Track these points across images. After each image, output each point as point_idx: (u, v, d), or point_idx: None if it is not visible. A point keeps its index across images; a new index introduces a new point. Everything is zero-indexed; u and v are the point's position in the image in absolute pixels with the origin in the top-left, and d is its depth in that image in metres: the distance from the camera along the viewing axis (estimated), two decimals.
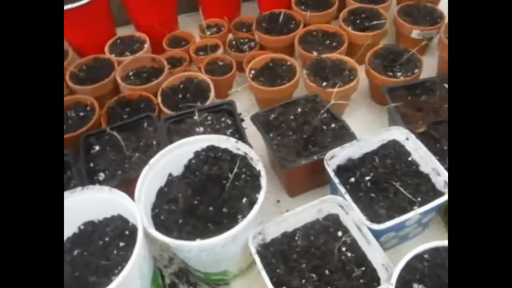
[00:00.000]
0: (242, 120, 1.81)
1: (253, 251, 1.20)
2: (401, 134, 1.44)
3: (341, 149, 1.39)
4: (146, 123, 1.62)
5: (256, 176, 1.27)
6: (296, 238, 1.29)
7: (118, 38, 2.10)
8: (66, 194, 1.25)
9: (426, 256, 1.13)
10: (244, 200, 1.24)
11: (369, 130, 1.72)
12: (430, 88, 1.65)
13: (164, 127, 1.56)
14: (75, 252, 1.26)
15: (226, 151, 1.36)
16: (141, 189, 1.24)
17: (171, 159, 1.35)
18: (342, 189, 1.29)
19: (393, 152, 1.43)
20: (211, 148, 1.37)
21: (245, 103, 1.95)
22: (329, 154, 1.37)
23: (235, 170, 1.29)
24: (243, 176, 1.30)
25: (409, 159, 1.41)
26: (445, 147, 1.45)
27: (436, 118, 1.54)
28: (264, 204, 1.56)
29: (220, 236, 1.11)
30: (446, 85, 1.65)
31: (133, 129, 1.61)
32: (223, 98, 1.97)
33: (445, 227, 1.44)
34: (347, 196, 1.27)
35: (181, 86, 1.80)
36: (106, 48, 2.03)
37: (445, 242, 1.13)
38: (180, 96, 1.78)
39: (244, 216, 1.19)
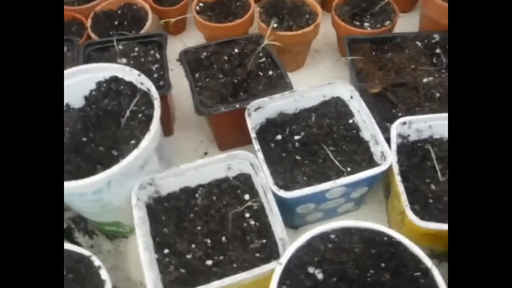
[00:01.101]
0: None
1: (134, 202, 1.00)
2: (346, 91, 1.20)
3: (269, 100, 1.17)
4: (66, 47, 1.41)
5: (150, 116, 1.05)
6: (197, 195, 1.09)
7: None
8: None
9: (332, 236, 0.91)
10: (132, 142, 1.03)
11: None
12: (400, 44, 1.40)
13: (83, 55, 1.34)
14: None
15: (129, 84, 1.14)
16: None
17: (69, 86, 1.15)
18: (256, 145, 1.07)
19: (333, 111, 1.20)
20: (114, 80, 1.16)
21: (198, 40, 1.71)
22: (254, 103, 1.15)
23: (132, 106, 1.09)
24: (140, 115, 1.08)
25: (350, 121, 1.18)
26: (400, 114, 1.22)
27: (397, 79, 1.30)
28: (190, 154, 1.38)
29: (81, 181, 0.92)
30: (419, 43, 1.39)
31: None
32: (175, 34, 1.75)
33: (387, 206, 1.22)
34: (260, 154, 1.05)
35: (119, 12, 1.57)
36: None
37: (366, 224, 0.92)
38: (116, 22, 1.55)
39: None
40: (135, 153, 0.96)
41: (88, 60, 1.34)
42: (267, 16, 1.46)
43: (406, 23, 1.63)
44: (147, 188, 1.05)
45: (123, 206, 1.06)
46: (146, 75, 1.26)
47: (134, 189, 1.02)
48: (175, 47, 1.68)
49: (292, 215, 1.12)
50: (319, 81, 1.54)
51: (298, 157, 1.14)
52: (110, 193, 1.00)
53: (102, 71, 1.16)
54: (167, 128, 1.40)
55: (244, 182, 1.10)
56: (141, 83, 1.12)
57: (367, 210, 1.24)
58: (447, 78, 1.29)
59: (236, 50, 1.32)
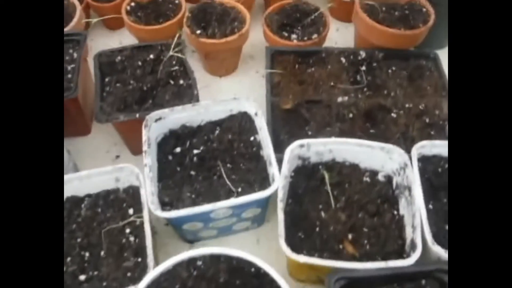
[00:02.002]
0: None
1: None
2: (252, 107, 1.17)
3: (170, 112, 1.14)
4: None
5: None
6: (83, 206, 1.07)
7: None
8: None
9: (199, 263, 0.89)
10: None
11: (250, 95, 1.48)
12: (324, 59, 1.36)
13: None
14: None
15: None
16: None
17: None
18: (145, 160, 1.04)
19: (237, 126, 1.17)
20: None
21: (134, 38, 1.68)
22: (153, 114, 1.12)
23: None
24: None
25: (252, 138, 1.15)
26: (310, 132, 1.19)
27: (313, 96, 1.27)
28: (101, 156, 1.35)
29: None
30: (344, 59, 1.36)
31: None
32: (113, 29, 1.72)
33: None
34: (146, 170, 1.03)
35: None
36: None
37: (237, 252, 0.89)
38: None
39: None
40: None
41: None
42: (193, 21, 1.42)
43: (348, 34, 1.60)
44: None
45: None
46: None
47: None
48: (111, 43, 1.66)
49: (181, 231, 1.09)
50: (246, 88, 1.52)
51: (192, 172, 1.11)
52: None
53: None
54: (82, 128, 1.38)
55: (132, 195, 1.07)
56: None
57: (269, 228, 1.20)
58: (365, 98, 1.26)
59: (151, 56, 1.29)
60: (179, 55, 1.22)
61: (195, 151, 1.14)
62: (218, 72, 1.51)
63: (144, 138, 1.08)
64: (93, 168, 1.07)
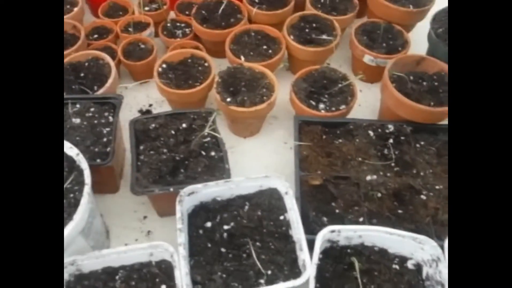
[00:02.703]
0: (149, 112, 1.64)
1: None
2: (282, 186, 1.20)
3: (203, 187, 1.17)
4: None
5: (78, 202, 1.06)
6: (117, 277, 1.10)
7: None
8: None
9: None
10: None
11: (274, 160, 1.51)
12: (352, 132, 1.39)
13: None
14: None
15: (69, 159, 1.15)
16: None
17: None
18: (179, 239, 1.08)
19: (267, 203, 1.20)
20: None
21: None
22: (187, 189, 1.16)
23: (66, 184, 1.10)
24: (71, 195, 1.09)
25: (281, 217, 1.18)
26: (337, 210, 1.22)
27: (341, 172, 1.29)
28: (129, 216, 1.39)
29: None
30: (372, 133, 1.39)
31: None
32: (140, 81, 1.76)
33: None
34: (181, 250, 1.06)
35: (86, 64, 1.59)
36: None
37: None
38: (81, 74, 1.57)
39: None
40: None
41: None
42: (223, 87, 1.46)
43: (371, 95, 1.63)
44: (67, 267, 1.06)
45: None
46: (96, 138, 1.30)
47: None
48: (138, 95, 1.71)
49: None
50: (270, 151, 1.55)
51: (223, 249, 1.13)
52: None
53: None
54: (111, 186, 1.42)
55: (165, 271, 1.10)
56: (79, 161, 1.13)
57: None
58: (394, 177, 1.28)
59: (184, 125, 1.33)
60: (214, 133, 1.26)
61: (225, 227, 1.17)
62: (243, 134, 1.55)
63: (178, 214, 1.11)
64: (120, 226, 1.19)
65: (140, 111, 1.66)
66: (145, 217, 1.39)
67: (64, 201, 1.10)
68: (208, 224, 1.18)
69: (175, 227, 1.33)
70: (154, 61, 1.69)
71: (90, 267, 1.10)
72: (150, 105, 1.69)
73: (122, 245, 1.32)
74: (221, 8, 1.73)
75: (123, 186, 1.46)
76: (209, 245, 1.15)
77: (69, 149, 1.16)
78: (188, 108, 1.48)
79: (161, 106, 1.68)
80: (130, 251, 1.09)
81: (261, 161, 1.50)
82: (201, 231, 1.17)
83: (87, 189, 1.07)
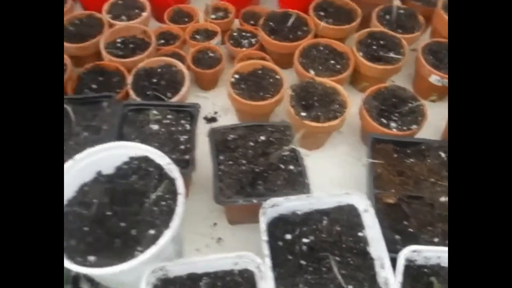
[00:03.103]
0: (214, 120, 1.67)
1: (143, 286, 1.06)
2: (361, 203, 1.23)
3: (285, 200, 1.21)
4: (106, 103, 1.48)
5: (173, 210, 1.11)
6: (201, 284, 1.14)
7: None
8: None
9: None
10: (151, 231, 1.09)
11: (341, 174, 1.54)
12: (423, 152, 1.42)
13: (120, 114, 1.42)
14: None
15: (158, 167, 1.20)
16: None
17: (103, 157, 1.23)
18: (265, 250, 1.12)
19: (345, 219, 1.23)
20: (146, 160, 1.22)
21: (226, 100, 1.76)
22: (269, 202, 1.19)
23: (158, 192, 1.14)
24: (163, 203, 1.14)
25: (360, 234, 1.21)
26: (410, 229, 1.25)
27: (414, 191, 1.32)
28: (200, 222, 1.43)
29: (103, 269, 0.99)
30: (443, 154, 1.41)
31: (92, 105, 1.48)
32: (206, 89, 1.81)
33: None
34: (267, 261, 1.10)
35: (158, 70, 1.64)
36: (105, 6, 1.88)
37: None
38: (154, 80, 1.62)
39: (142, 251, 1.05)
40: (153, 249, 1.01)
41: (124, 119, 1.41)
42: (296, 101, 1.49)
43: (435, 114, 1.66)
44: (157, 272, 1.11)
45: (132, 282, 1.12)
46: (174, 145, 1.34)
47: (145, 273, 1.08)
48: (204, 102, 1.75)
49: None
50: (335, 165, 1.58)
51: (303, 262, 1.17)
52: (122, 275, 1.06)
53: (136, 148, 1.22)
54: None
55: (247, 280, 1.14)
56: (170, 170, 1.18)
57: None
58: None
59: (262, 138, 1.37)
60: (295, 146, 1.29)
61: (305, 240, 1.20)
62: (309, 147, 1.59)
63: (262, 226, 1.15)
64: (191, 232, 1.26)
65: (206, 118, 1.70)
66: (215, 224, 1.43)
67: (156, 208, 1.15)
68: (288, 236, 1.22)
69: (245, 235, 1.39)
70: (222, 70, 1.74)
71: (176, 272, 1.14)
72: (215, 113, 1.73)
73: (194, 251, 1.37)
74: (291, 20, 1.77)
75: (192, 194, 1.50)
76: (290, 257, 1.18)
77: (160, 157, 1.20)
78: (256, 118, 1.53)
79: (226, 114, 1.73)
80: (218, 260, 1.14)
81: (327, 175, 1.53)
82: (280, 243, 1.21)
83: (181, 198, 1.12)
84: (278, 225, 1.23)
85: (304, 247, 1.20)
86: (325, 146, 1.64)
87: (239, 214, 1.36)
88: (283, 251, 1.19)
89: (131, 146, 1.24)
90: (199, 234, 1.41)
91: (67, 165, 1.17)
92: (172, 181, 1.17)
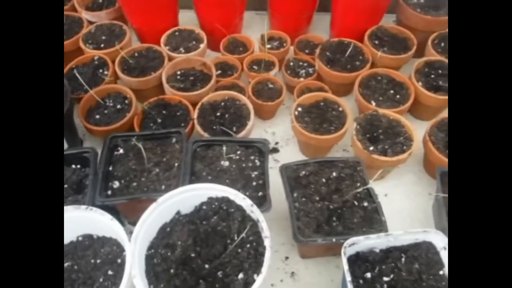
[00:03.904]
0: (276, 150, 1.70)
1: None
2: (439, 240, 1.25)
3: (364, 239, 1.23)
4: (175, 138, 1.53)
5: (260, 253, 1.14)
6: None
7: (177, 30, 1.99)
8: (70, 208, 1.23)
9: None
10: (241, 276, 1.13)
11: (408, 205, 1.56)
12: None
13: (190, 151, 1.46)
14: (66, 264, 1.24)
15: (240, 209, 1.24)
16: (141, 228, 1.18)
17: (182, 198, 1.26)
18: (348, 278, 1.14)
19: (424, 257, 1.25)
20: (226, 201, 1.26)
21: (286, 130, 1.80)
22: (349, 241, 1.22)
23: (243, 234, 1.18)
24: (248, 246, 1.18)
25: (441, 272, 1.23)
26: None
27: None
28: (272, 256, 1.46)
29: None
30: None
31: (161, 141, 1.53)
32: (264, 119, 1.84)
33: None
34: None
35: (222, 104, 1.68)
36: (163, 39, 1.93)
37: None
38: (218, 114, 1.66)
39: None
40: None
41: (193, 155, 1.45)
42: (363, 134, 1.52)
43: None
44: None
45: None
46: (245, 181, 1.37)
47: None
48: (263, 133, 1.79)
49: None
50: (402, 197, 1.60)
51: None
52: None
53: (216, 190, 1.26)
54: None
55: None
56: (252, 212, 1.21)
57: None
58: None
59: (334, 174, 1.40)
60: (370, 186, 1.32)
61: (385, 279, 1.23)
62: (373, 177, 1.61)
63: (346, 267, 1.18)
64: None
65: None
66: (287, 258, 1.46)
67: (241, 250, 1.18)
68: (368, 275, 1.24)
69: (319, 270, 1.42)
70: (282, 101, 1.77)
71: None
72: (276, 143, 1.77)
73: (269, 285, 1.40)
74: (349, 50, 1.79)
75: None
76: None
77: (241, 199, 1.23)
78: (319, 150, 1.57)
79: (287, 145, 1.76)
80: None
81: (395, 206, 1.55)
82: (361, 281, 1.23)
83: (268, 242, 1.15)
84: (357, 263, 1.26)
85: (385, 286, 1.22)
86: (389, 177, 1.66)
87: (314, 250, 1.39)
88: None
89: (212, 188, 1.27)
90: (273, 269, 1.43)
91: (151, 208, 1.21)
92: (255, 223, 1.20)
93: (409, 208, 1.56)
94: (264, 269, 1.10)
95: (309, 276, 1.42)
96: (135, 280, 1.08)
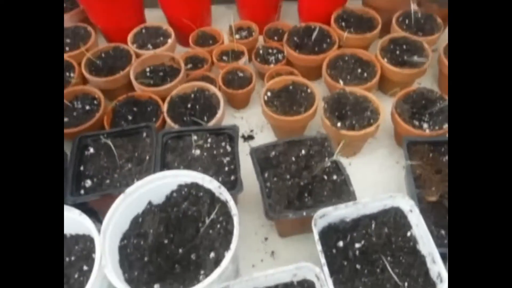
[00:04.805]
0: (251, 137, 1.72)
1: None
2: (406, 204, 1.29)
3: (334, 209, 1.27)
4: (145, 133, 1.55)
5: (229, 231, 1.18)
6: None
7: (144, 27, 2.02)
8: None
9: None
10: (212, 254, 1.16)
11: (381, 177, 1.60)
12: None
13: (161, 143, 1.49)
14: None
15: (208, 192, 1.27)
16: (110, 220, 1.20)
17: (152, 188, 1.29)
18: (322, 259, 1.17)
19: (392, 221, 1.29)
20: (195, 186, 1.29)
21: (260, 117, 1.84)
22: (319, 212, 1.25)
23: (212, 216, 1.21)
24: (218, 226, 1.21)
25: (408, 234, 1.26)
26: None
27: None
28: (251, 238, 1.49)
29: None
30: None
31: (131, 137, 1.56)
32: (238, 108, 1.88)
33: None
34: (325, 269, 1.15)
35: (192, 96, 1.71)
36: (130, 37, 1.96)
37: None
38: (188, 105, 1.69)
39: (206, 274, 1.12)
40: (218, 271, 1.07)
41: (164, 147, 1.49)
42: (331, 112, 1.55)
43: None
44: None
45: None
46: (217, 168, 1.40)
47: None
48: (238, 122, 1.83)
49: None
50: (374, 170, 1.64)
51: (358, 266, 1.23)
52: None
53: (185, 176, 1.29)
54: None
55: None
56: (220, 193, 1.24)
57: None
58: None
59: (303, 151, 1.43)
60: (337, 159, 1.35)
61: (357, 245, 1.26)
62: (347, 154, 1.65)
63: (316, 237, 1.21)
64: (244, 248, 1.31)
65: (243, 136, 1.77)
66: (266, 239, 1.49)
67: (212, 231, 1.21)
68: (340, 243, 1.27)
69: (297, 247, 1.45)
70: (254, 89, 1.81)
71: None
72: (251, 131, 1.80)
73: (250, 266, 1.43)
74: (314, 34, 1.83)
75: (239, 211, 1.53)
76: (345, 263, 1.24)
77: (209, 182, 1.27)
78: (292, 132, 1.60)
79: (262, 131, 1.79)
80: (277, 273, 1.20)
81: (369, 180, 1.59)
82: (334, 250, 1.27)
83: (236, 219, 1.18)
84: (329, 233, 1.29)
85: (357, 252, 1.26)
86: (362, 153, 1.69)
87: (289, 227, 1.42)
88: (338, 257, 1.25)
89: (179, 174, 1.30)
90: (253, 250, 1.46)
91: (119, 200, 1.23)
92: (224, 204, 1.24)
93: (382, 180, 1.60)
94: (233, 245, 1.13)
95: (288, 254, 1.45)
96: (106, 270, 1.10)
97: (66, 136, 1.61)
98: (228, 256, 1.11)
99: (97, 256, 1.12)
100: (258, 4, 2.06)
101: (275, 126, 1.67)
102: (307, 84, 1.68)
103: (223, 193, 1.24)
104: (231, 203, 1.21)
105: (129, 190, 1.25)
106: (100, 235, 1.16)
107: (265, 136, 1.77)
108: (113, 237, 1.20)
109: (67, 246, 1.27)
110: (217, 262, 1.12)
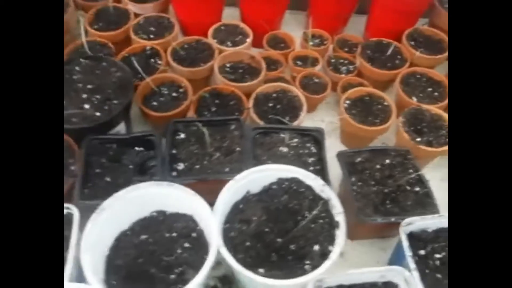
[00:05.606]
0: None
1: None
2: None
3: (421, 219, 1.36)
4: (234, 125, 1.62)
5: (333, 226, 1.26)
6: None
7: (222, 24, 2.10)
8: (152, 184, 1.33)
9: None
10: (316, 247, 1.24)
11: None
12: None
13: (250, 137, 1.56)
14: (142, 237, 1.33)
15: (310, 189, 1.35)
16: (221, 202, 1.28)
17: (253, 178, 1.37)
18: (411, 265, 1.27)
19: None
20: (296, 181, 1.37)
21: (325, 124, 1.93)
22: (407, 220, 1.35)
23: (315, 211, 1.29)
24: (321, 221, 1.29)
25: None
26: None
27: None
28: None
29: (289, 281, 1.13)
30: None
31: (220, 127, 1.62)
32: (308, 112, 1.95)
33: None
34: (415, 274, 1.25)
35: (274, 95, 1.79)
36: (210, 32, 2.03)
37: None
38: (270, 105, 1.77)
39: (312, 265, 1.20)
40: (327, 263, 1.16)
41: (253, 142, 1.56)
42: (409, 127, 1.65)
43: None
44: (316, 283, 1.26)
45: None
46: (303, 167, 1.48)
47: (309, 285, 1.23)
48: (310, 124, 1.91)
49: None
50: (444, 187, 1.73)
51: (438, 276, 1.32)
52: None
53: (286, 171, 1.37)
54: None
55: None
56: (322, 191, 1.33)
57: None
58: None
59: (387, 161, 1.52)
60: (420, 173, 1.45)
61: (437, 255, 1.36)
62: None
63: (406, 243, 1.31)
64: None
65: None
66: None
67: (314, 225, 1.30)
68: (422, 251, 1.37)
69: (364, 251, 1.54)
70: (328, 95, 1.90)
71: (328, 283, 1.29)
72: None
73: None
74: (390, 50, 1.93)
75: None
76: (427, 271, 1.33)
77: (313, 180, 1.35)
78: (362, 142, 1.69)
79: (330, 137, 1.87)
80: (367, 272, 1.29)
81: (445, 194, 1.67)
82: (416, 258, 1.36)
83: (341, 217, 1.27)
84: (411, 241, 1.38)
85: (438, 262, 1.35)
86: (432, 167, 1.78)
87: (367, 231, 1.51)
88: (419, 265, 1.33)
89: (279, 169, 1.39)
90: None
91: (229, 185, 1.32)
92: (326, 201, 1.32)
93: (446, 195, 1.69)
94: (340, 239, 1.22)
95: (356, 256, 1.53)
96: (222, 249, 1.18)
97: (155, 119, 1.70)
98: (337, 249, 1.19)
99: (213, 235, 1.20)
100: (332, 15, 2.15)
101: (350, 133, 1.76)
102: (384, 97, 1.78)
103: (326, 191, 1.32)
104: (335, 201, 1.29)
105: (238, 177, 1.33)
106: (213, 214, 1.24)
107: (332, 142, 1.85)
108: (219, 219, 1.28)
109: (167, 223, 1.35)
110: (323, 255, 1.21)
